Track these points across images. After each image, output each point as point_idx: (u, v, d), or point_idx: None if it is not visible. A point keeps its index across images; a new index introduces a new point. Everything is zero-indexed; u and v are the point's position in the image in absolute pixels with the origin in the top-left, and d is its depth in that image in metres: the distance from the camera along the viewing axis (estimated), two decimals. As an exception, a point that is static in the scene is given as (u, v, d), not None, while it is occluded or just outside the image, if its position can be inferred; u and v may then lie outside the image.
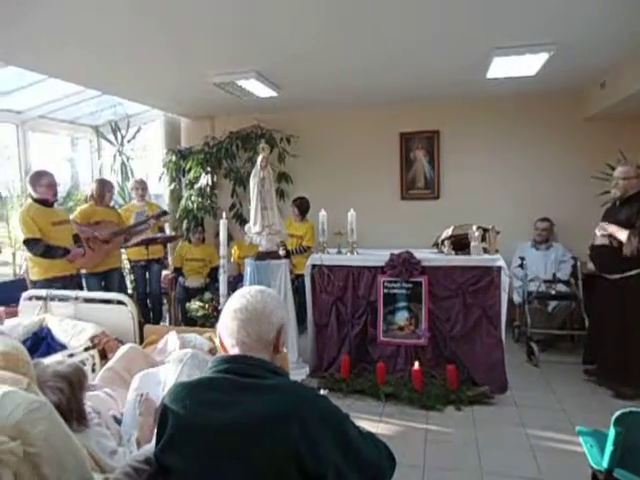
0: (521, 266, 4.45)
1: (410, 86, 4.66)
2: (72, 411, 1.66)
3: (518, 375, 3.78)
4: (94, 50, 3.46)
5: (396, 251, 3.78)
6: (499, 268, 3.57)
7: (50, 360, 1.83)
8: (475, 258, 3.66)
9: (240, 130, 5.61)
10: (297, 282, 4.71)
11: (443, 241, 3.90)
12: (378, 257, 3.88)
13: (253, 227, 4.02)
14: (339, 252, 4.07)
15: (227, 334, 1.28)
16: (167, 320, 5.32)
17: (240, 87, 4.27)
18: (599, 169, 4.57)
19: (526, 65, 3.84)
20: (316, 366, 3.95)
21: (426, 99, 5.19)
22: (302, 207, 5.15)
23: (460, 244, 3.81)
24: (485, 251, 3.73)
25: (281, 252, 4.24)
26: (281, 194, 5.48)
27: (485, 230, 3.78)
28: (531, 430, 3.00)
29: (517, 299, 4.58)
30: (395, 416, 3.24)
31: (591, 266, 3.81)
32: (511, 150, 5.24)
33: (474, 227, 3.73)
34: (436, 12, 2.87)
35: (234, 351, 1.27)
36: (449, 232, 3.89)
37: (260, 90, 4.44)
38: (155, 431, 1.70)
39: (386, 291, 3.82)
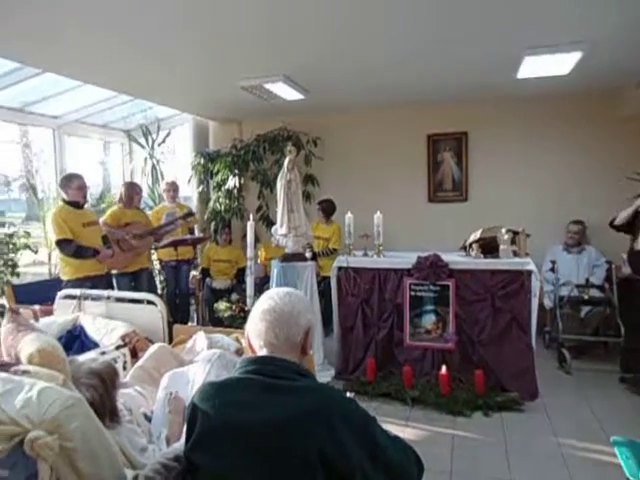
0: (552, 270, 4.34)
1: (438, 87, 4.62)
2: (105, 408, 1.70)
3: (549, 382, 3.69)
4: (127, 57, 3.56)
5: (423, 254, 3.74)
6: (529, 272, 3.49)
7: (84, 358, 1.89)
8: (504, 261, 3.59)
9: (267, 133, 5.67)
10: (323, 284, 4.71)
11: (471, 244, 3.84)
12: (405, 260, 3.85)
13: (279, 229, 4.04)
14: (365, 254, 4.05)
15: (255, 335, 1.30)
16: (194, 320, 5.41)
17: (268, 90, 4.32)
18: (634, 170, 4.42)
19: (558, 64, 3.75)
20: (342, 369, 3.94)
21: (454, 100, 5.13)
22: (327, 209, 5.16)
23: (489, 247, 3.74)
24: (515, 254, 3.66)
25: (307, 254, 4.26)
26: (307, 196, 5.50)
27: (515, 233, 3.70)
28: (563, 439, 2.92)
29: (548, 304, 4.46)
30: (422, 421, 3.21)
31: (627, 270, 3.68)
32: (541, 151, 5.12)
33: (503, 230, 3.66)
34: (468, 11, 2.83)
35: (262, 352, 1.28)
36: (477, 235, 3.83)
37: (287, 93, 4.48)
38: (184, 429, 1.73)
39: (413, 294, 3.79)
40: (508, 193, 5.18)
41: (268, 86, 4.18)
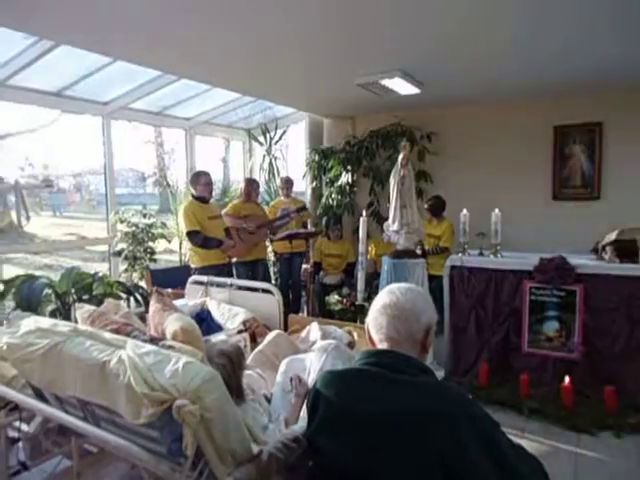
0: None
1: (570, 76, 4.23)
2: (232, 386, 1.85)
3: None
4: (253, 61, 3.80)
5: (546, 255, 3.48)
6: (677, 281, 3.08)
7: (215, 339, 2.08)
8: (645, 267, 3.21)
9: (380, 129, 5.66)
10: (433, 283, 4.60)
11: (604, 247, 3.48)
12: (525, 261, 3.62)
13: (391, 225, 4.03)
14: (481, 254, 3.88)
15: (376, 329, 1.32)
16: (304, 311, 5.62)
17: (383, 86, 4.31)
18: None
19: None
20: (452, 370, 3.83)
21: (587, 89, 4.65)
22: (434, 207, 5.01)
23: (626, 250, 3.36)
24: (659, 260, 3.25)
25: (418, 251, 4.19)
26: (419, 193, 5.40)
27: (660, 236, 3.29)
28: None
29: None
30: (540, 434, 3.00)
31: None
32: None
33: (645, 232, 3.26)
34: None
35: (382, 346, 1.30)
36: (612, 237, 3.46)
37: (403, 88, 4.43)
38: (302, 414, 1.83)
39: (533, 298, 3.55)
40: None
41: (384, 82, 4.18)
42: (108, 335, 1.68)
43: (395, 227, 4.00)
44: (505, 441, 1.15)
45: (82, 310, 2.09)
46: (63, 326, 1.75)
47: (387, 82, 4.19)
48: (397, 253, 4.01)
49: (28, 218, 2.59)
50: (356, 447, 1.19)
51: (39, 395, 1.85)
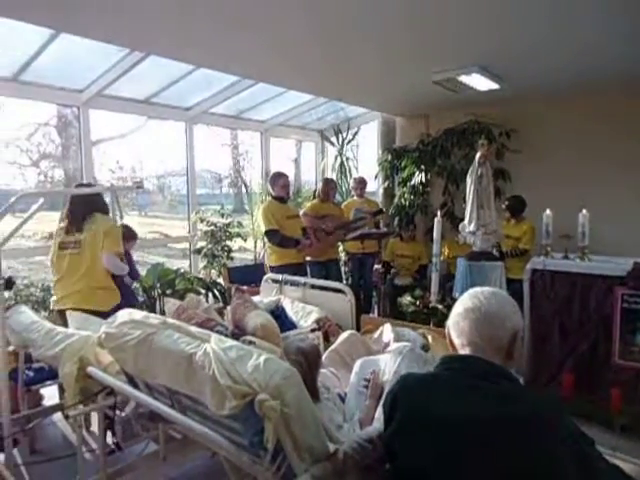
0: None
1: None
2: (307, 384, 1.89)
3: None
4: (327, 63, 3.85)
5: (642, 260, 3.20)
6: None
7: (293, 336, 2.12)
8: None
9: (455, 126, 5.50)
10: (511, 287, 4.39)
11: None
12: (616, 265, 3.34)
13: (467, 226, 3.90)
14: (566, 257, 3.64)
15: (457, 333, 1.28)
16: (374, 312, 5.59)
17: (460, 82, 4.19)
18: None
19: None
20: (532, 379, 3.62)
21: None
22: (513, 207, 4.77)
23: None
24: None
25: (495, 253, 4.03)
26: (497, 192, 5.17)
27: None
28: None
29: None
30: (635, 454, 2.76)
31: None
32: None
33: None
34: None
35: (464, 351, 1.26)
36: None
37: (481, 83, 4.28)
38: (376, 415, 1.82)
39: (626, 306, 3.27)
40: None
41: (462, 78, 4.06)
42: (194, 329, 1.77)
43: (472, 228, 3.87)
44: (599, 458, 1.08)
45: (169, 304, 2.23)
46: (154, 318, 1.87)
47: (464, 78, 4.07)
48: (473, 255, 3.88)
49: (122, 217, 2.80)
50: (435, 451, 1.16)
51: (131, 382, 2.00)
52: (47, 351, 2.34)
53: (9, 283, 1.99)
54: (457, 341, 1.29)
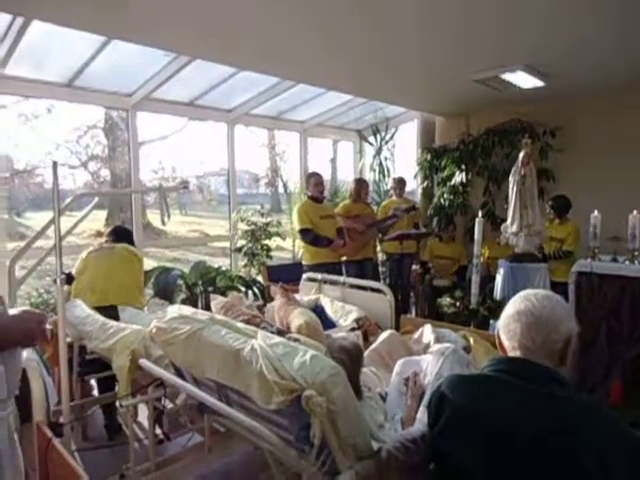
0: None
1: None
2: (350, 382, 1.91)
3: None
4: (366, 64, 3.86)
5: (699, 264, 3.06)
6: None
7: (336, 335, 2.15)
8: None
9: (497, 125, 5.39)
10: (555, 290, 4.28)
11: None
12: (669, 269, 3.21)
13: (510, 227, 3.83)
14: (614, 260, 3.52)
15: (508, 336, 1.27)
16: (413, 313, 5.55)
17: (503, 80, 4.11)
18: None
19: None
20: (577, 385, 3.51)
21: None
22: (558, 207, 4.62)
23: None
24: None
25: (538, 255, 3.93)
26: (540, 192, 5.03)
27: None
28: None
29: None
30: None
31: None
32: None
33: None
34: None
35: (514, 354, 1.25)
36: None
37: (525, 81, 4.18)
38: (418, 416, 1.82)
39: (679, 312, 3.13)
40: None
41: (504, 76, 3.98)
42: (240, 325, 1.83)
43: (514, 229, 3.80)
44: None
45: (216, 301, 2.30)
46: (202, 314, 1.94)
47: (508, 76, 3.99)
48: (516, 256, 3.81)
49: (169, 216, 2.90)
50: (484, 454, 1.16)
51: (179, 375, 2.08)
52: (101, 343, 2.46)
53: (69, 278, 2.11)
54: (507, 344, 1.27)
